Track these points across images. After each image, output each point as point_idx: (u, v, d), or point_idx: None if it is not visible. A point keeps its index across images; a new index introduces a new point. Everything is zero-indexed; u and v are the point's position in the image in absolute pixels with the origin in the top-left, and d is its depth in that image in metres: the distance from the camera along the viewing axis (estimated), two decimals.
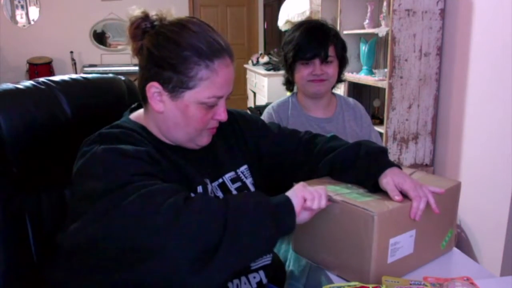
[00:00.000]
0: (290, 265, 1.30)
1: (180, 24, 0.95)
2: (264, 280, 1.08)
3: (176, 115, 0.96)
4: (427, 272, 0.99)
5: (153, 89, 0.95)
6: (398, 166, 1.03)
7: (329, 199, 0.95)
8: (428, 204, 0.95)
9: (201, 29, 0.95)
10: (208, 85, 0.94)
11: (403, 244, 0.96)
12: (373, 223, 0.89)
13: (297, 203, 0.89)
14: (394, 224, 0.94)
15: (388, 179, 0.98)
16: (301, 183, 0.95)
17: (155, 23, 0.97)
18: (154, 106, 0.97)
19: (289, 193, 0.91)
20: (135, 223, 0.79)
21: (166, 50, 0.93)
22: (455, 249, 1.14)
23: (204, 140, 1.03)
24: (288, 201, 0.89)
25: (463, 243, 2.31)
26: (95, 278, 0.84)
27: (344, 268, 0.98)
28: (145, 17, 0.97)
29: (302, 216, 0.91)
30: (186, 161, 1.00)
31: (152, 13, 0.98)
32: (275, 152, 1.16)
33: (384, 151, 1.08)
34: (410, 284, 0.88)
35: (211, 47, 0.94)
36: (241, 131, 1.15)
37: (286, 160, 1.15)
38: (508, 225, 2.02)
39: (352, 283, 0.87)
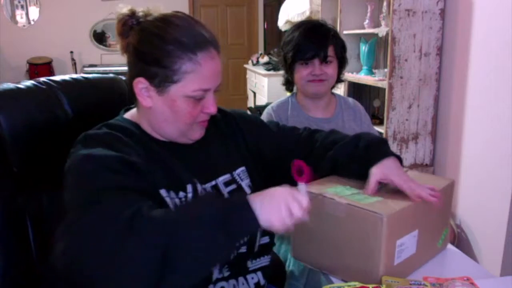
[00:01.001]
0: (290, 265, 1.30)
1: (164, 19, 0.95)
2: (262, 281, 1.08)
3: (164, 110, 0.96)
4: (427, 272, 0.99)
5: (140, 84, 0.95)
6: (398, 156, 1.03)
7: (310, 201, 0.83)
8: (427, 203, 0.95)
9: (184, 23, 0.95)
10: (192, 78, 0.93)
11: (408, 245, 0.95)
12: (382, 225, 0.87)
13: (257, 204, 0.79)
14: (401, 225, 0.93)
15: (377, 170, 0.99)
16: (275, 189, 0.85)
17: (141, 19, 0.97)
18: (142, 102, 0.97)
19: (253, 195, 0.82)
20: (80, 246, 0.75)
21: (150, 45, 0.93)
22: (455, 249, 1.14)
23: (196, 134, 1.02)
24: (243, 203, 0.79)
25: (463, 243, 2.31)
26: None
27: (349, 272, 0.96)
28: (132, 14, 0.97)
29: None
30: (177, 159, 0.99)
31: (139, 10, 0.98)
32: (275, 152, 1.15)
33: (383, 141, 1.08)
34: (410, 284, 0.88)
35: (194, 40, 0.93)
36: (241, 132, 1.14)
37: (286, 160, 1.14)
38: (508, 225, 2.02)
39: (352, 283, 0.87)
